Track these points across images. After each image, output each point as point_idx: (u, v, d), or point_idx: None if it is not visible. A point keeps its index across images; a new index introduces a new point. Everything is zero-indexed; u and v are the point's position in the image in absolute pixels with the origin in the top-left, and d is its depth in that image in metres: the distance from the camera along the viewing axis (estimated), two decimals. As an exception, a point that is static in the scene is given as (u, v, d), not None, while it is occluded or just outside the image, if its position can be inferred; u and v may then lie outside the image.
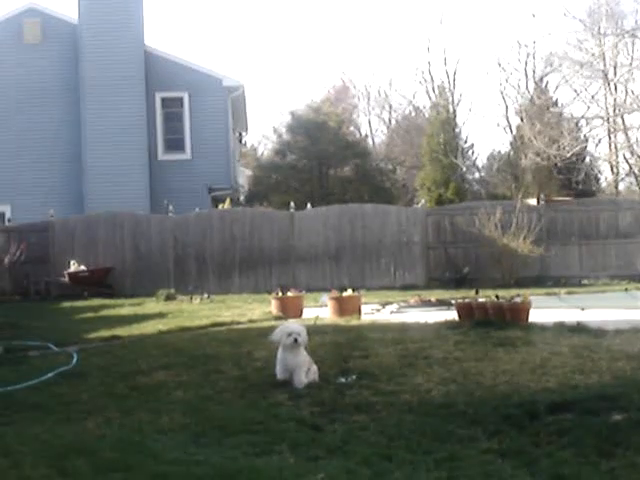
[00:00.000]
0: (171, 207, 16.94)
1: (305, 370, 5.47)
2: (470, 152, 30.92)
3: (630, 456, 3.61)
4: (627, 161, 25.06)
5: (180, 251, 16.57)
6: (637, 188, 26.92)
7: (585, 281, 15.35)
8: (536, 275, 15.59)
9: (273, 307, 10.64)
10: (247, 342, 7.62)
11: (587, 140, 21.95)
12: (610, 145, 24.95)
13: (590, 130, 20.67)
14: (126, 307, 12.72)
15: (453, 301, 9.94)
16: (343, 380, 5.50)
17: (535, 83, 28.02)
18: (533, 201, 17.74)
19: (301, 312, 10.38)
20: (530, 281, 14.95)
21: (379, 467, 3.65)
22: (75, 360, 6.87)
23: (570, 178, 22.19)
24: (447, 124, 27.27)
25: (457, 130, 28.80)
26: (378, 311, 11.05)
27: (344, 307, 10.03)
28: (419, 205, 18.74)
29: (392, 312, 10.91)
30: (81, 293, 15.14)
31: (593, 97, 19.30)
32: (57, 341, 8.14)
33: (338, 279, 15.75)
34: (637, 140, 20.58)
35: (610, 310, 9.61)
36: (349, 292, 10.52)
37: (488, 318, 8.16)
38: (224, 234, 16.62)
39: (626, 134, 21.26)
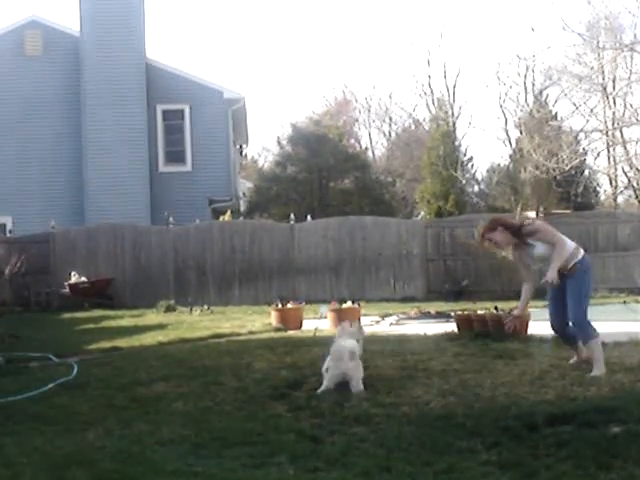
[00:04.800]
0: (171, 219, 16.98)
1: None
2: (470, 165, 31.00)
3: (628, 468, 3.61)
4: (626, 174, 25.14)
5: (180, 263, 16.59)
6: (636, 201, 26.97)
7: (584, 293, 15.33)
8: (535, 287, 15.57)
9: (273, 319, 10.66)
10: (247, 353, 7.63)
11: (586, 153, 22.01)
12: (609, 158, 25.02)
13: (589, 143, 20.78)
14: (126, 318, 12.72)
15: (452, 313, 9.96)
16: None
17: (534, 96, 28.14)
18: (532, 214, 17.77)
19: (301, 324, 10.40)
20: (529, 293, 14.93)
21: (378, 479, 3.66)
22: (75, 371, 6.88)
23: (569, 191, 22.23)
24: (447, 137, 27.35)
25: (457, 143, 28.89)
26: (377, 323, 11.06)
27: (344, 319, 10.00)
28: (419, 217, 18.79)
29: (391, 324, 10.92)
30: (82, 304, 15.15)
31: (592, 110, 19.41)
32: (57, 352, 8.15)
33: (338, 291, 15.77)
34: (636, 153, 20.66)
35: (609, 323, 9.59)
36: (349, 304, 10.54)
37: (487, 330, 8.17)
38: (224, 246, 16.65)
39: (625, 147, 21.34)
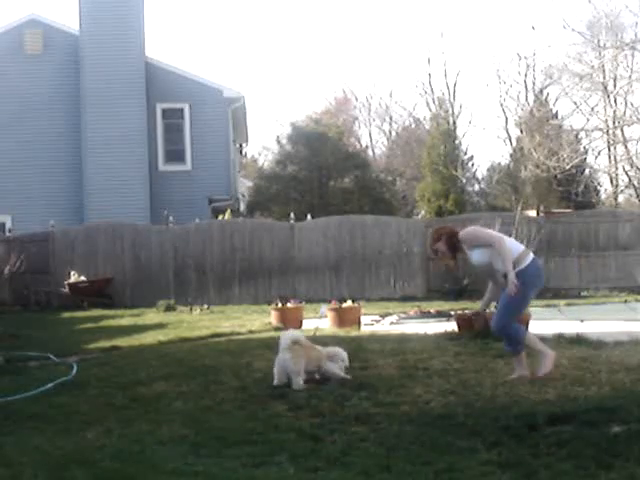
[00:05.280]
0: (171, 218, 16.97)
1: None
2: (470, 164, 31.02)
3: (629, 468, 3.61)
4: (626, 173, 25.10)
5: (180, 262, 16.58)
6: (636, 200, 26.99)
7: (584, 293, 15.35)
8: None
9: (273, 318, 10.66)
10: (247, 353, 7.63)
11: (587, 152, 22.03)
12: (609, 157, 25.03)
13: (590, 142, 20.79)
14: (126, 318, 12.72)
15: (452, 312, 9.96)
16: None
17: (535, 95, 28.15)
18: (533, 213, 17.77)
19: (301, 323, 10.39)
20: (530, 293, 14.94)
21: (378, 478, 3.66)
22: (75, 371, 6.88)
23: (569, 190, 22.24)
24: (447, 136, 27.36)
25: (457, 142, 28.89)
26: (378, 322, 11.06)
27: (344, 318, 10.05)
28: (419, 216, 18.79)
29: (392, 323, 10.92)
30: (81, 303, 15.15)
31: (593, 109, 19.40)
32: (57, 351, 8.15)
33: (338, 290, 15.77)
34: (636, 152, 20.66)
35: (609, 322, 9.62)
36: (349, 303, 10.54)
37: (487, 329, 8.16)
38: (224, 245, 16.65)
39: (625, 146, 21.35)
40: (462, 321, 8.62)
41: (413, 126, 37.27)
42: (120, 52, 19.80)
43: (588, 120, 19.45)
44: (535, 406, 4.84)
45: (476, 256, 5.71)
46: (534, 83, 29.09)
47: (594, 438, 4.06)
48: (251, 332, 9.91)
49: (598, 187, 29.17)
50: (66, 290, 15.72)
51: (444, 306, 12.58)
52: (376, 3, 58.22)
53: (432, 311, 11.83)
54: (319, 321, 10.32)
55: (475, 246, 5.69)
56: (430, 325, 9.74)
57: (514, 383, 5.59)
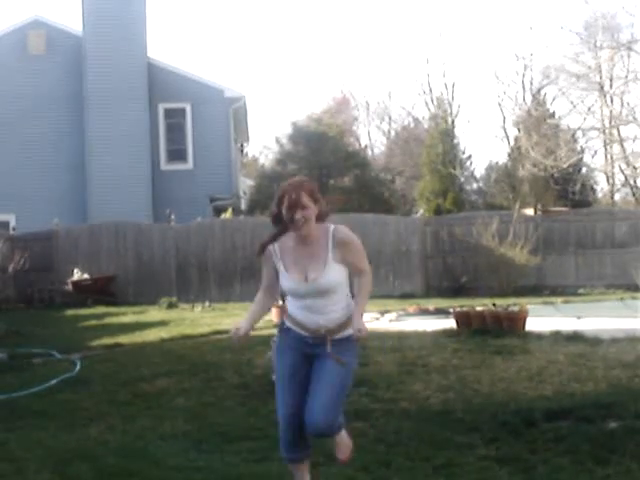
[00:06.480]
0: (173, 216, 17.01)
1: None
2: (468, 163, 31.02)
3: (625, 463, 3.67)
4: (622, 172, 25.13)
5: (182, 260, 16.63)
6: (633, 198, 27.02)
7: (581, 290, 15.39)
8: (533, 284, 15.65)
9: (273, 315, 10.69)
10: (248, 350, 7.67)
11: (583, 151, 22.03)
12: (606, 156, 25.04)
13: (586, 141, 20.79)
14: (129, 315, 12.78)
15: (451, 310, 10.01)
16: None
17: (532, 95, 28.15)
18: (530, 211, 17.83)
19: (301, 321, 10.43)
20: (527, 290, 15.02)
21: (378, 473, 3.72)
22: (78, 367, 6.94)
23: (567, 188, 22.23)
24: (446, 135, 27.38)
25: (455, 141, 28.91)
26: (377, 319, 11.09)
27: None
28: (418, 215, 18.81)
29: (391, 320, 10.96)
30: (84, 301, 15.19)
31: (589, 109, 19.36)
32: (60, 348, 8.21)
33: (337, 288, 15.78)
34: (632, 151, 20.67)
35: (606, 319, 9.67)
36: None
37: (486, 326, 8.24)
38: (225, 243, 16.70)
39: (622, 145, 21.37)
40: (460, 318, 8.68)
41: (412, 125, 37.26)
42: (123, 53, 19.80)
43: (585, 119, 19.44)
44: (532, 402, 4.89)
45: (339, 276, 3.53)
46: (532, 83, 29.11)
47: (591, 434, 4.11)
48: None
49: (595, 186, 29.21)
50: (69, 288, 15.77)
51: (442, 303, 12.63)
52: (375, 3, 58.20)
53: (431, 308, 11.87)
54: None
55: (343, 258, 3.53)
56: (429, 322, 9.79)
57: None
